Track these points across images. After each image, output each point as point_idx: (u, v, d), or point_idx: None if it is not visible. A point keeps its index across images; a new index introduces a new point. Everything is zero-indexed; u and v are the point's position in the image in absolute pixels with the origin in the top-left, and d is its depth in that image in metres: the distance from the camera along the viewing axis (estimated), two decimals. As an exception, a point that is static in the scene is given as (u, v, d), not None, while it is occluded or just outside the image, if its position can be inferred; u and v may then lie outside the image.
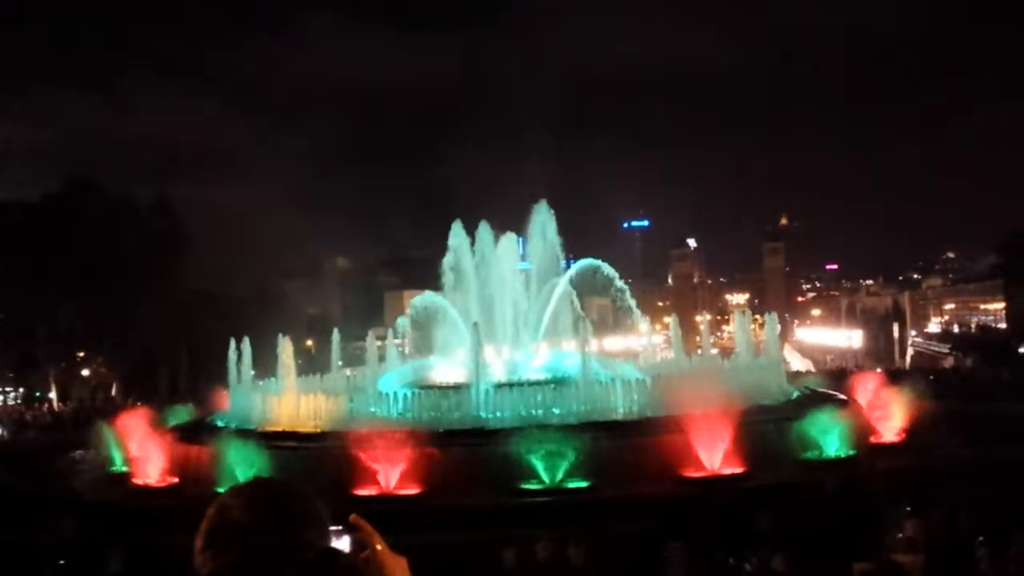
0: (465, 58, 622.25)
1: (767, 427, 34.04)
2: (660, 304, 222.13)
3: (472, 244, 47.94)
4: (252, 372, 44.06)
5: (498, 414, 35.32)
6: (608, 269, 48.41)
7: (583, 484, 30.07)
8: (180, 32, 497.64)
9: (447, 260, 48.18)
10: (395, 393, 37.23)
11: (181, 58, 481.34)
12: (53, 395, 79.61)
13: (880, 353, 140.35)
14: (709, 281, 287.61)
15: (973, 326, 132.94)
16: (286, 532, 2.61)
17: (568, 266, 49.41)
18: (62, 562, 23.87)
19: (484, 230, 48.15)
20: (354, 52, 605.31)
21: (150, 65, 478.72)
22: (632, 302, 49.66)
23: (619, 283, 48.83)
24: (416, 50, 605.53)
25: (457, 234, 48.30)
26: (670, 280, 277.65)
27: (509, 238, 48.54)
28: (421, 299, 47.82)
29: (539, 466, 30.14)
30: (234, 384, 43.57)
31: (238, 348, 43.76)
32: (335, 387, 42.76)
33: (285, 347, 41.65)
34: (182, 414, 45.03)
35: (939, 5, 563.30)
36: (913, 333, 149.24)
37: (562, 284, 46.89)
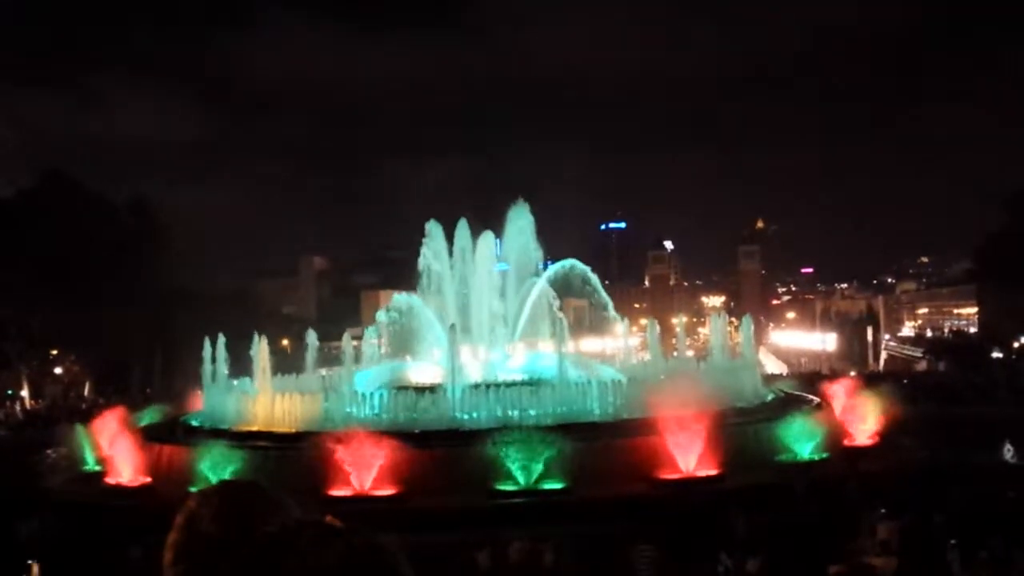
0: (438, 58, 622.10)
1: (742, 430, 34.20)
2: (637, 306, 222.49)
3: (450, 244, 47.89)
4: (227, 372, 43.72)
5: (474, 415, 35.27)
6: (586, 270, 48.42)
7: (558, 485, 30.06)
8: (152, 31, 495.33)
9: (424, 260, 48.07)
10: (371, 394, 37.09)
11: (153, 57, 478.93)
12: (25, 393, 78.80)
13: (854, 357, 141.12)
14: (685, 283, 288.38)
15: (946, 330, 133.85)
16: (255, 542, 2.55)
17: (545, 267, 49.39)
18: (30, 562, 23.65)
19: (462, 229, 48.07)
20: (329, 51, 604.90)
21: (122, 64, 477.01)
22: (609, 304, 49.75)
23: (596, 284, 48.90)
24: (389, 49, 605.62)
25: (434, 234, 48.20)
26: (647, 282, 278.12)
27: (487, 236, 48.42)
28: (397, 300, 47.57)
29: (514, 467, 30.12)
30: (208, 383, 43.24)
31: (213, 347, 43.43)
32: (311, 387, 42.52)
33: (261, 346, 41.36)
34: (155, 413, 44.67)
35: (913, 6, 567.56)
36: (887, 337, 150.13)
37: (539, 285, 46.87)
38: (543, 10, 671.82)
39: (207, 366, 43.32)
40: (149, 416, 43.71)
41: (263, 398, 38.43)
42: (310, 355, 47.27)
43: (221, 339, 43.53)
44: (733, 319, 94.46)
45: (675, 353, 61.12)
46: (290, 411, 37.11)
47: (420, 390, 37.68)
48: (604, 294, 49.63)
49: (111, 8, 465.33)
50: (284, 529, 2.34)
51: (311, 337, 47.30)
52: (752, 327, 49.21)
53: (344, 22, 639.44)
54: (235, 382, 43.35)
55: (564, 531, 23.94)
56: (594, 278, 48.78)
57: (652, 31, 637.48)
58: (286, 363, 51.90)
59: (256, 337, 41.68)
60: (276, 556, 2.22)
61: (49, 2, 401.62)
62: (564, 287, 49.63)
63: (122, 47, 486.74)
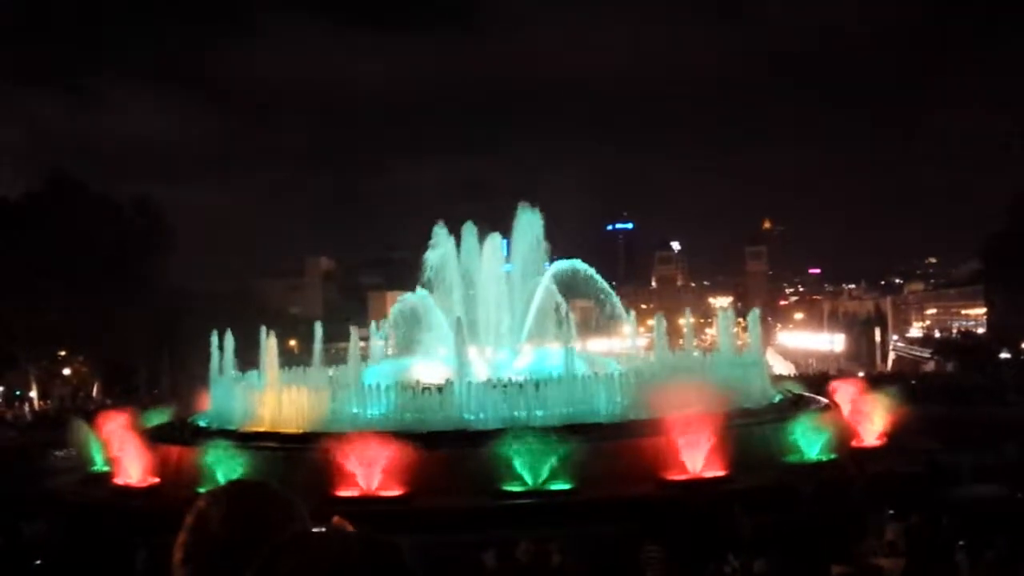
0: (439, 58, 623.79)
1: (749, 431, 34.09)
2: (644, 307, 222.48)
3: (457, 245, 47.95)
4: (233, 372, 43.68)
5: (481, 415, 35.25)
6: (587, 269, 48.35)
7: (565, 486, 30.04)
8: (155, 33, 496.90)
9: (430, 261, 48.11)
10: (377, 392, 36.96)
11: (155, 58, 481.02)
12: (34, 394, 79.05)
13: (862, 357, 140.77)
14: (692, 284, 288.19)
15: (954, 331, 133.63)
16: (266, 544, 2.54)
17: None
18: (38, 562, 23.74)
19: (468, 231, 48.13)
20: (329, 52, 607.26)
21: (125, 66, 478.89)
22: (617, 302, 49.73)
23: (602, 283, 48.89)
24: (390, 49, 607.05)
25: (440, 235, 48.26)
26: (654, 283, 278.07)
27: (493, 238, 48.47)
28: (405, 299, 47.53)
29: (521, 468, 30.10)
30: (215, 376, 43.24)
31: (220, 340, 43.44)
32: (318, 381, 42.60)
33: (268, 340, 41.23)
34: (163, 414, 44.71)
35: (913, 6, 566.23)
36: (895, 338, 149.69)
37: (543, 283, 46.87)
38: (543, 10, 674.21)
39: (214, 359, 43.32)
40: (157, 417, 43.76)
41: (270, 392, 38.45)
42: (317, 348, 47.18)
43: (228, 332, 43.61)
44: (740, 320, 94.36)
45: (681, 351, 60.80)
46: (297, 405, 37.21)
47: (427, 389, 37.54)
48: (610, 291, 49.62)
49: (112, 9, 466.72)
50: (293, 534, 2.35)
51: (319, 331, 47.21)
52: (759, 320, 49.09)
53: (344, 23, 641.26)
54: (242, 374, 43.22)
55: (571, 532, 23.95)
56: (602, 282, 48.80)
57: (652, 31, 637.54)
58: (293, 363, 51.95)
59: (263, 330, 41.61)
60: (283, 559, 2.23)
61: (49, 4, 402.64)
62: (570, 287, 49.58)
63: (126, 50, 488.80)
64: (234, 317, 45.02)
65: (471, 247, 48.00)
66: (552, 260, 50.36)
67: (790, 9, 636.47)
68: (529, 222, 49.11)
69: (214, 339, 43.42)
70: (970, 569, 18.27)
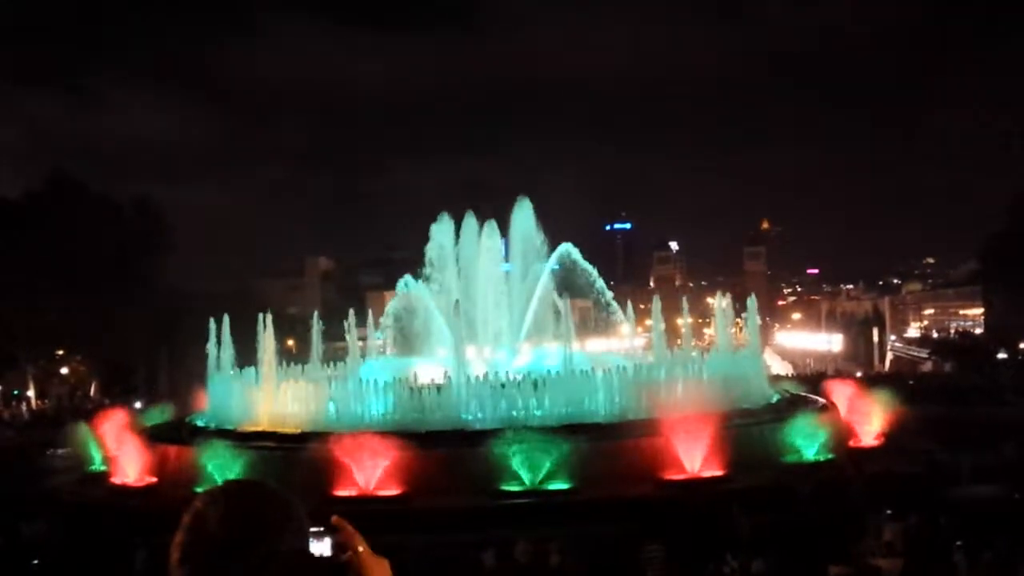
0: (439, 58, 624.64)
1: (747, 431, 34.10)
2: (642, 307, 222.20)
3: (456, 237, 47.96)
4: (232, 371, 43.55)
5: (479, 415, 35.22)
6: (583, 261, 48.29)
7: (564, 486, 30.02)
8: (155, 33, 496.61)
9: (430, 255, 48.09)
10: (376, 390, 36.89)
11: (156, 59, 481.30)
12: (31, 393, 78.95)
13: (860, 357, 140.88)
14: (691, 284, 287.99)
15: (952, 331, 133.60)
16: (263, 544, 2.54)
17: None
18: (36, 562, 23.72)
19: (469, 223, 48.06)
20: (330, 52, 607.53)
21: (125, 66, 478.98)
22: (611, 299, 49.69)
23: (591, 270, 48.82)
24: (390, 51, 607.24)
25: (440, 231, 48.24)
26: (652, 283, 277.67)
27: (491, 226, 48.24)
28: (403, 285, 47.18)
29: (520, 467, 30.07)
30: (213, 371, 43.13)
31: (218, 335, 43.30)
32: (317, 377, 42.49)
33: (266, 333, 40.88)
34: (161, 413, 44.67)
35: (913, 6, 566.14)
36: (892, 338, 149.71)
37: (544, 276, 46.85)
38: (543, 10, 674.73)
39: (212, 354, 43.15)
40: (154, 416, 43.68)
41: (268, 391, 38.37)
42: (315, 343, 46.98)
43: (226, 323, 43.46)
44: (739, 320, 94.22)
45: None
46: (294, 400, 37.17)
47: (425, 388, 37.39)
48: (601, 282, 49.62)
49: (112, 9, 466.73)
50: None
51: (316, 324, 46.98)
52: (757, 311, 49.05)
53: (344, 23, 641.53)
54: (239, 371, 43.08)
55: (570, 532, 23.93)
56: (593, 271, 48.80)
57: (652, 31, 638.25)
58: (292, 362, 51.83)
59: (260, 317, 41.32)
60: None
61: (49, 4, 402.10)
62: (570, 288, 49.55)
63: (123, 49, 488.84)
64: (233, 317, 44.76)
65: (470, 238, 47.96)
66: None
67: (790, 9, 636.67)
68: (527, 220, 49.12)
69: (212, 332, 43.25)
70: (968, 569, 18.28)
